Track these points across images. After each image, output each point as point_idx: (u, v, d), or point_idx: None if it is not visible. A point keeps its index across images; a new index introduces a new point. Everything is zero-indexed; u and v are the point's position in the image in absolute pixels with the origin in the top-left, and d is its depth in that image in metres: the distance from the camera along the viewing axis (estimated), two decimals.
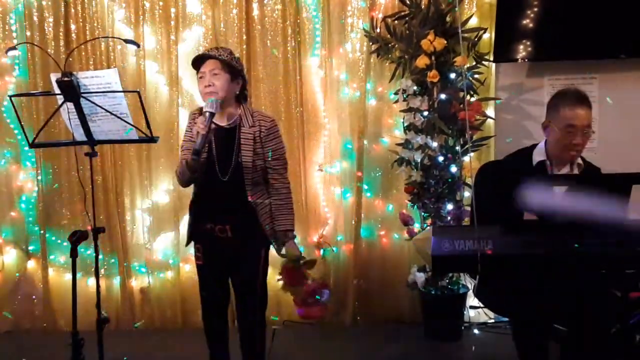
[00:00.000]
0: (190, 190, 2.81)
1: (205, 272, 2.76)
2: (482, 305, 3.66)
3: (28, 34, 3.80)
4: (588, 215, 1.92)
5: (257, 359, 2.77)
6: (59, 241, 3.94)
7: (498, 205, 2.32)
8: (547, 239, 1.99)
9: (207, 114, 2.44)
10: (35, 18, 3.79)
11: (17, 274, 3.97)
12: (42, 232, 3.90)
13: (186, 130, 2.73)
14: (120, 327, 3.90)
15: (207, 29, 3.82)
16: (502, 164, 2.78)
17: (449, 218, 3.58)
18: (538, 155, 2.57)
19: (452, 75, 3.55)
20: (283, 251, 2.70)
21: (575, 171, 2.54)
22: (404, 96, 3.63)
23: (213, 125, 2.51)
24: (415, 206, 3.68)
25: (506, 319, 3.62)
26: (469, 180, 3.61)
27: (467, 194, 3.63)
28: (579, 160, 2.57)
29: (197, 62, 2.61)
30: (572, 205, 1.98)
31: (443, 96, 3.53)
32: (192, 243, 2.78)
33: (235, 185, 2.59)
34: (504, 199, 2.12)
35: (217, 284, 2.76)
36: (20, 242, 3.98)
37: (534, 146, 2.62)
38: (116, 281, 3.94)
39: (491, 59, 3.68)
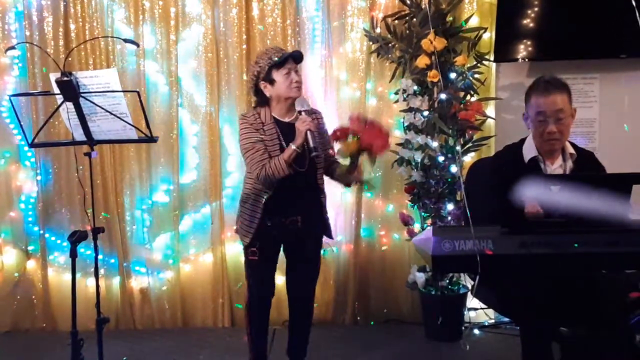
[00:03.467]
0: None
1: (260, 267, 2.82)
2: (480, 307, 3.66)
3: (27, 33, 3.79)
4: (586, 213, 1.91)
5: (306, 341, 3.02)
6: (58, 241, 3.94)
7: (492, 204, 2.31)
8: (547, 239, 1.98)
9: (304, 112, 2.65)
10: (34, 17, 3.78)
11: (17, 274, 3.97)
12: (41, 232, 3.90)
13: (249, 132, 2.71)
14: (120, 327, 3.90)
15: (207, 29, 3.82)
16: (492, 162, 2.76)
17: (449, 218, 3.57)
18: (528, 152, 2.52)
19: (453, 75, 3.54)
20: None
21: (569, 162, 2.50)
22: (404, 96, 3.63)
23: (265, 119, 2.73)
24: (415, 206, 3.68)
25: (506, 319, 3.62)
26: None
27: None
28: (571, 150, 2.51)
29: (283, 58, 2.70)
30: (570, 204, 1.97)
31: (443, 96, 3.52)
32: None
33: (309, 176, 2.74)
34: (498, 197, 2.11)
35: (270, 279, 2.87)
36: (20, 242, 3.98)
37: (523, 141, 2.58)
38: (116, 281, 3.94)
39: (491, 58, 3.68)
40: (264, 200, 2.71)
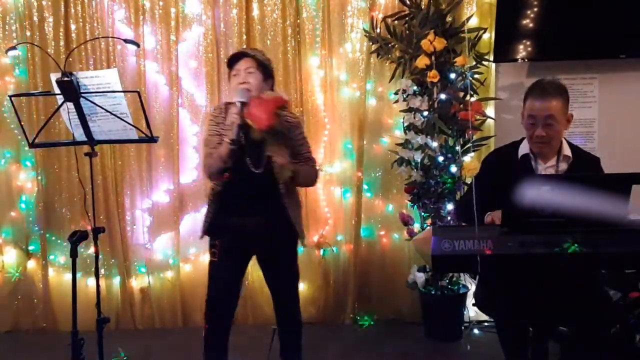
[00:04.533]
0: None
1: (220, 269, 2.71)
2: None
3: (28, 33, 3.80)
4: (585, 213, 1.92)
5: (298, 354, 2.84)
6: (59, 241, 3.95)
7: (485, 199, 2.32)
8: (546, 239, 1.99)
9: (238, 103, 2.49)
10: (35, 18, 3.79)
11: (17, 274, 3.98)
12: (42, 232, 3.91)
13: (210, 125, 2.70)
14: (120, 327, 3.91)
15: (207, 29, 3.82)
16: (491, 155, 2.78)
17: (449, 218, 3.58)
18: (523, 148, 2.55)
19: (452, 75, 3.55)
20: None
21: (563, 164, 2.49)
22: (404, 96, 3.63)
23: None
24: (415, 206, 3.68)
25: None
26: (469, 180, 3.61)
27: None
28: (567, 152, 2.51)
29: (232, 61, 2.63)
30: (567, 204, 1.97)
31: (443, 96, 3.53)
32: (207, 238, 2.76)
33: (267, 179, 2.58)
34: (491, 192, 2.12)
35: (231, 284, 2.73)
36: (21, 242, 3.98)
37: (523, 139, 2.60)
38: (116, 281, 3.94)
39: (491, 58, 3.68)
40: (220, 197, 2.65)
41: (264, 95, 2.55)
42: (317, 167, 2.81)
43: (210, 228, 2.70)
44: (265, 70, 2.65)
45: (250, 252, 2.77)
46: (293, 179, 2.61)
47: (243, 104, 2.49)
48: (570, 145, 2.54)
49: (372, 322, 3.93)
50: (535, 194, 2.00)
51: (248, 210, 2.61)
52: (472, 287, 3.51)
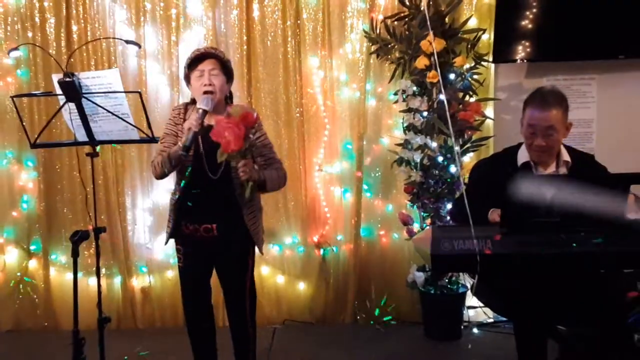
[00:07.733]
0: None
1: (186, 275, 2.76)
2: (480, 305, 3.68)
3: (30, 34, 3.81)
4: (584, 214, 1.93)
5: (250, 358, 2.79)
6: (60, 241, 3.95)
7: (482, 203, 2.32)
8: (546, 239, 2.00)
9: (201, 111, 2.45)
10: (37, 19, 3.80)
11: (19, 274, 3.99)
12: (43, 231, 3.92)
13: (167, 124, 2.66)
14: (121, 326, 3.92)
15: (208, 30, 3.83)
16: (488, 162, 2.78)
17: (448, 218, 3.59)
18: (522, 156, 2.55)
19: (452, 76, 3.56)
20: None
21: (562, 169, 2.51)
22: (404, 97, 3.65)
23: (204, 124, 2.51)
24: (415, 206, 3.70)
25: (505, 319, 3.64)
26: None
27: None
28: (566, 157, 2.52)
29: (195, 60, 2.59)
30: (567, 205, 1.99)
31: (442, 97, 3.54)
32: (172, 244, 2.79)
33: (224, 184, 2.55)
34: (488, 197, 2.12)
35: (198, 287, 2.76)
36: (22, 242, 4.00)
37: (520, 145, 2.60)
38: (117, 281, 3.95)
39: (490, 59, 3.70)
40: (176, 203, 2.64)
41: (231, 110, 2.36)
42: (283, 170, 2.70)
43: (172, 235, 2.72)
44: (228, 72, 2.62)
45: (209, 258, 2.73)
46: (262, 187, 2.55)
47: (205, 112, 2.45)
48: (567, 148, 2.55)
49: (372, 322, 3.93)
50: (534, 196, 2.02)
51: (204, 218, 2.60)
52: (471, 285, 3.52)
